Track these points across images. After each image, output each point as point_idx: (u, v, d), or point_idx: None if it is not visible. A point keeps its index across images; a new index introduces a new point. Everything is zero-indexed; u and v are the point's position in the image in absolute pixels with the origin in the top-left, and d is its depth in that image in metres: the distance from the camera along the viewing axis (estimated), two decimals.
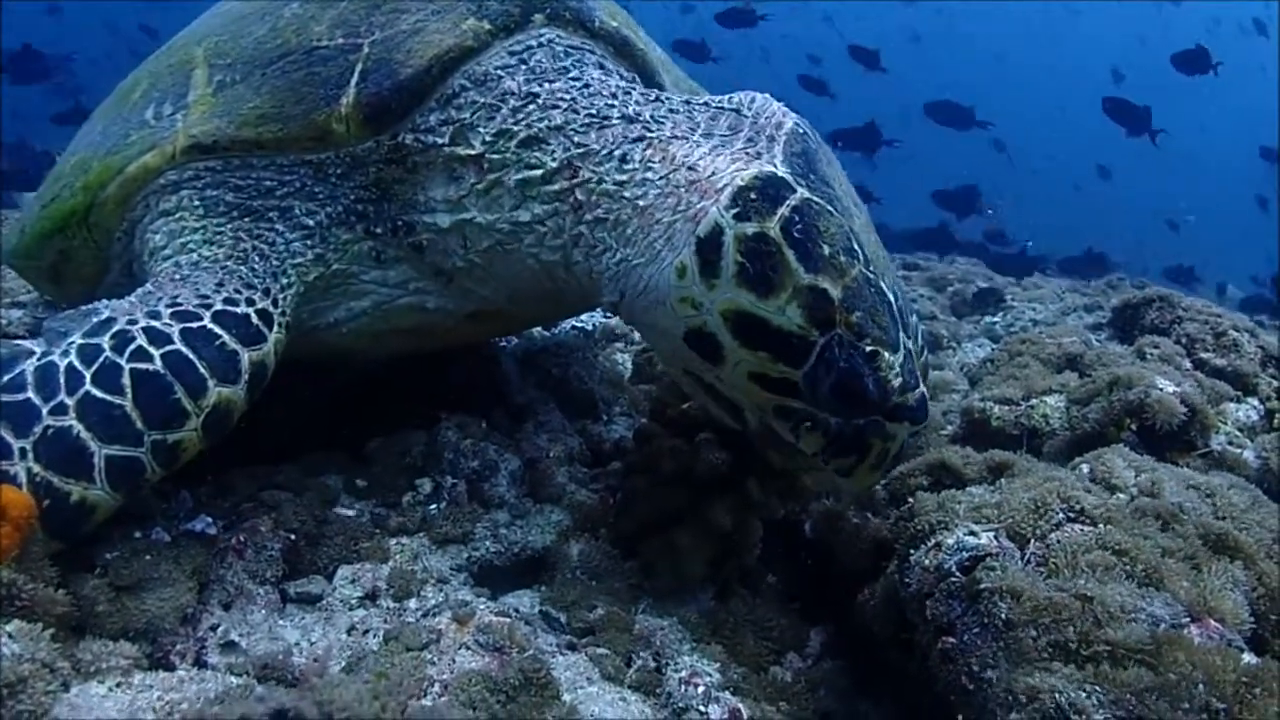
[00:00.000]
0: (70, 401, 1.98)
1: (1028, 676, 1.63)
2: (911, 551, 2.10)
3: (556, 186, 2.30)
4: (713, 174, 2.09)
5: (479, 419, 3.00)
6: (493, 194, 2.38)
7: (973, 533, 1.99)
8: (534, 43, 2.51)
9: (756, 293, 1.96)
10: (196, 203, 2.52)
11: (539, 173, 2.32)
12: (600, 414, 3.51)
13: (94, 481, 1.95)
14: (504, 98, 2.40)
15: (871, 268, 2.01)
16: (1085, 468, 2.40)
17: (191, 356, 2.10)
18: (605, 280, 2.26)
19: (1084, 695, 1.54)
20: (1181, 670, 1.56)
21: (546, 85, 2.41)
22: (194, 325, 2.15)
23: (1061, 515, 2.04)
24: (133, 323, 2.13)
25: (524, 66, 2.46)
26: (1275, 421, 3.26)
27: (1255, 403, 3.37)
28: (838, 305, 1.93)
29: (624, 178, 2.21)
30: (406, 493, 2.73)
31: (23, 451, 1.91)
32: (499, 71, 2.44)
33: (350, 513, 2.65)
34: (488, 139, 2.38)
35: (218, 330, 2.17)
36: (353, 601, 2.36)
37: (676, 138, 2.22)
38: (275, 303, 2.35)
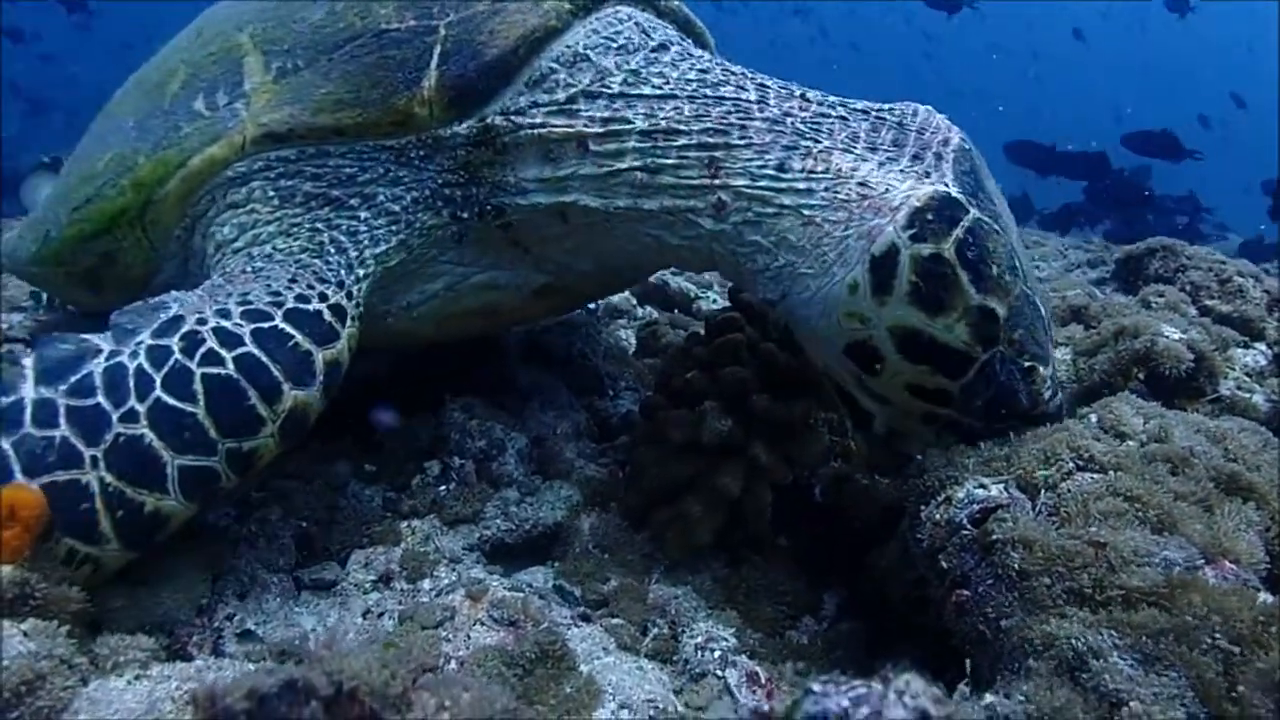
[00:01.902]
0: (141, 408, 1.93)
1: (1044, 624, 1.62)
2: (922, 507, 2.09)
3: (694, 182, 2.27)
4: (886, 191, 2.08)
5: (484, 399, 3.00)
6: (608, 181, 2.34)
7: (983, 485, 1.98)
8: (613, 20, 2.50)
9: (927, 311, 1.98)
10: (271, 193, 2.47)
11: (669, 162, 2.28)
12: (606, 389, 3.51)
13: (167, 492, 1.91)
14: (604, 79, 2.38)
15: (1028, 283, 2.06)
16: (1093, 417, 2.37)
17: (264, 359, 2.03)
18: (764, 279, 2.24)
19: (1101, 639, 1.54)
20: (1198, 612, 1.56)
21: (656, 69, 2.39)
22: (266, 325, 2.08)
23: (1071, 464, 2.03)
24: (202, 322, 2.07)
25: (614, 46, 2.44)
26: None
27: (1263, 347, 3.36)
28: (1003, 324, 1.99)
29: (781, 185, 2.18)
30: (415, 475, 2.73)
31: (94, 460, 1.87)
32: (588, 51, 2.42)
33: (360, 498, 2.66)
34: (599, 119, 2.34)
35: (290, 330, 2.10)
36: (367, 585, 2.37)
37: (837, 149, 2.19)
38: (349, 295, 2.30)
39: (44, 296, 3.94)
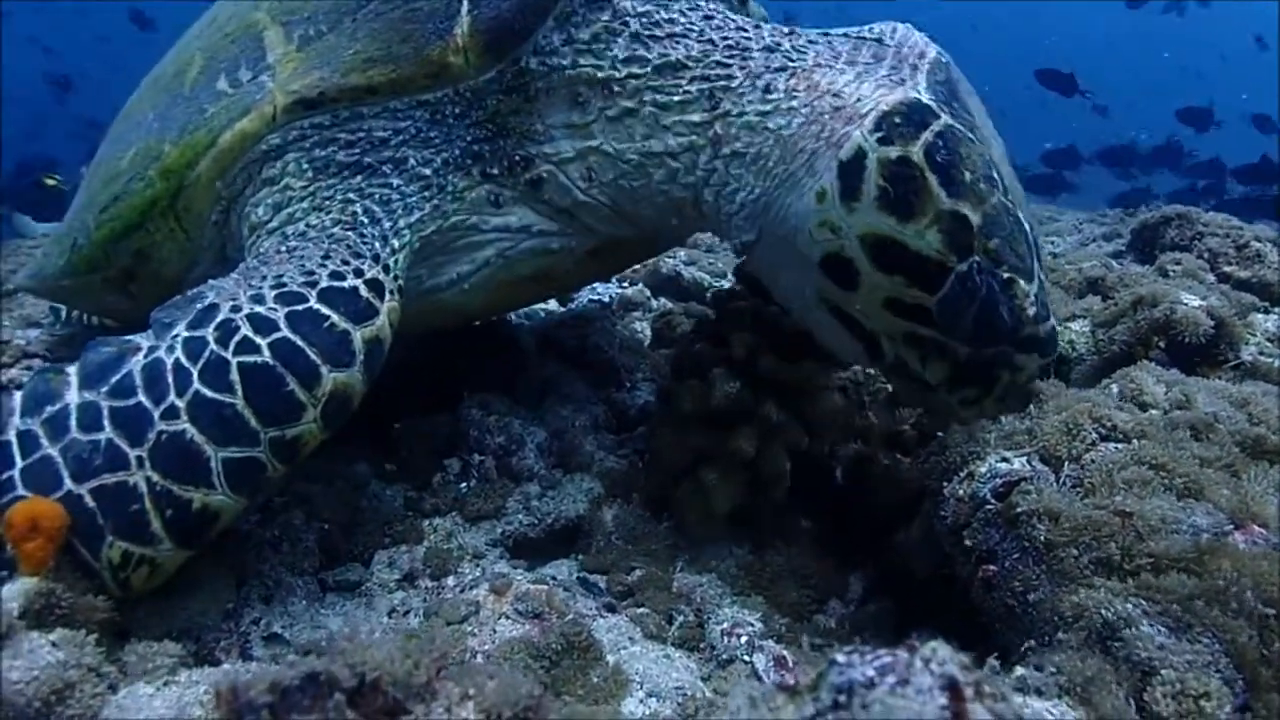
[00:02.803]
0: (181, 403, 1.90)
1: (1072, 595, 1.61)
2: (944, 484, 2.08)
3: (695, 118, 2.26)
4: (858, 100, 2.07)
5: (501, 394, 3.00)
6: (624, 122, 2.33)
7: (1005, 459, 1.96)
8: None
9: (897, 216, 1.95)
10: (305, 166, 2.40)
11: (676, 99, 2.27)
12: (623, 381, 3.50)
13: (214, 486, 1.88)
14: (624, 18, 2.34)
15: (1010, 197, 2.01)
16: (1114, 387, 2.36)
17: (300, 343, 1.97)
18: (739, 220, 2.23)
19: (1131, 607, 1.52)
20: (1228, 577, 1.54)
21: (662, 14, 2.35)
22: (300, 308, 2.02)
23: (1095, 435, 2.01)
24: (236, 309, 2.02)
25: None
26: None
27: None
28: (977, 231, 1.93)
29: (768, 108, 2.18)
30: (436, 473, 2.74)
31: (139, 460, 1.86)
32: None
33: (382, 498, 2.66)
34: (619, 61, 2.31)
35: (325, 310, 2.04)
36: (391, 585, 2.38)
37: (820, 66, 2.19)
38: (386, 269, 2.23)
39: (62, 312, 3.95)
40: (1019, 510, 1.80)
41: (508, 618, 2.06)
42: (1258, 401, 2.17)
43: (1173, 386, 2.29)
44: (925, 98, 2.03)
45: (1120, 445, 1.96)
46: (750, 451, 2.42)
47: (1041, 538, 1.74)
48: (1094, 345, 2.97)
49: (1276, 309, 3.37)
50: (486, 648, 1.96)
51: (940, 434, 2.29)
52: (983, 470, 1.97)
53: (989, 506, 1.90)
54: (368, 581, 2.38)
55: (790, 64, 2.21)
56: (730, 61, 2.26)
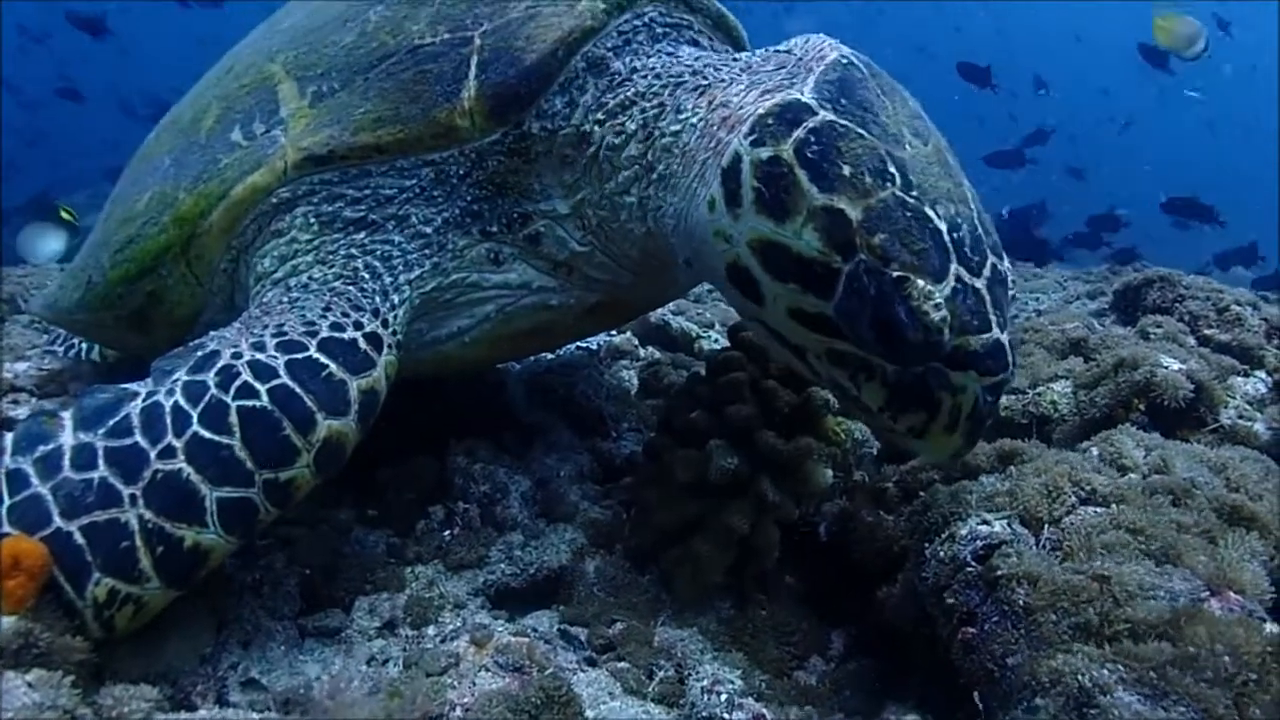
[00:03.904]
0: (178, 443, 1.93)
1: (1050, 659, 1.62)
2: (926, 545, 2.09)
3: (634, 151, 2.32)
4: (741, 108, 2.11)
5: (487, 442, 3.00)
6: (592, 169, 2.40)
7: (985, 521, 1.99)
8: (639, 22, 2.50)
9: (774, 219, 1.93)
10: (312, 220, 2.45)
11: (622, 138, 2.34)
12: (609, 431, 3.50)
13: (207, 525, 1.90)
14: (613, 79, 2.41)
15: (914, 193, 1.88)
16: (1094, 450, 2.39)
17: (298, 390, 2.02)
18: (672, 240, 2.28)
19: (1107, 673, 1.54)
20: (1204, 644, 1.55)
21: (643, 61, 2.43)
22: (300, 356, 2.08)
23: (1074, 499, 2.04)
24: (237, 356, 2.07)
25: (628, 47, 2.46)
26: None
27: (1263, 375, 3.35)
28: (857, 227, 1.84)
29: (678, 127, 2.24)
30: (419, 520, 2.72)
31: (133, 498, 1.88)
32: (609, 53, 2.43)
33: (364, 544, 2.65)
34: (591, 111, 2.39)
35: (324, 360, 2.09)
36: (371, 632, 2.36)
37: (723, 81, 2.25)
38: (385, 323, 2.28)
39: (62, 345, 3.94)
40: (999, 573, 1.82)
41: (488, 670, 2.05)
42: (1235, 467, 2.20)
43: (1152, 450, 2.32)
44: (806, 97, 2.02)
45: (1099, 509, 1.99)
46: (745, 529, 2.43)
47: (1020, 601, 1.75)
48: (1076, 406, 3.00)
49: (1256, 372, 3.41)
50: (466, 700, 1.95)
51: (923, 494, 2.31)
52: (963, 532, 1.99)
53: (969, 569, 1.92)
54: (347, 628, 2.36)
55: (704, 83, 2.28)
56: (663, 92, 2.33)
